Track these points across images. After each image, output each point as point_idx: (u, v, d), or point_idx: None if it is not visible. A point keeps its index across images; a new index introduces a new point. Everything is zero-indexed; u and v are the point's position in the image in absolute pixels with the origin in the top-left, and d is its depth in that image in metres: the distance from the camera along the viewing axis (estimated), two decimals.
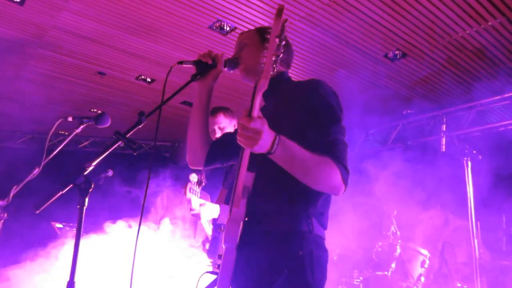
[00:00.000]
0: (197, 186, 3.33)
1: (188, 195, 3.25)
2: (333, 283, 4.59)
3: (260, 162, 1.66)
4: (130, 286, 1.71)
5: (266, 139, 1.47)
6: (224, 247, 1.65)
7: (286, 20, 1.46)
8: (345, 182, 1.63)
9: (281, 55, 1.46)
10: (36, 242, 4.19)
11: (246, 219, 1.65)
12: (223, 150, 2.12)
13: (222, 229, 1.74)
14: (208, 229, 3.57)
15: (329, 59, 5.08)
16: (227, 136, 2.24)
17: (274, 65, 1.46)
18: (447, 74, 5.22)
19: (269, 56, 1.45)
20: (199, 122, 2.14)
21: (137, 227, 1.78)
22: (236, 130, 2.21)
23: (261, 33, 2.09)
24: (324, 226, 1.79)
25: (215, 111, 3.47)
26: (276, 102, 1.97)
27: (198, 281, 1.76)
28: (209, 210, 3.35)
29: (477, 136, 5.88)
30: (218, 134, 3.42)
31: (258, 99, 1.52)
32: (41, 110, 7.17)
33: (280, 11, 1.46)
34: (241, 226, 1.61)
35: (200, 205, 3.34)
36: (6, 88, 6.40)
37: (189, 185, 3.24)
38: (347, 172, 1.64)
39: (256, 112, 1.50)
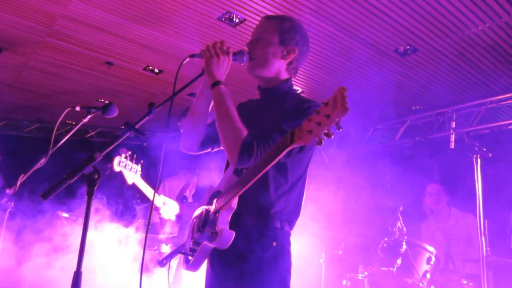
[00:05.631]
0: (131, 162, 3.38)
1: (117, 168, 3.28)
2: (338, 278, 4.58)
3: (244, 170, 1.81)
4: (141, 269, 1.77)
5: (219, 66, 1.93)
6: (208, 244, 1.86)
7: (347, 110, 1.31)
8: (242, 157, 1.79)
9: (330, 135, 1.35)
10: (42, 231, 4.22)
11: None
12: (214, 137, 2.18)
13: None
14: (145, 188, 3.72)
15: (338, 53, 5.03)
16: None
17: (321, 140, 1.37)
18: (458, 71, 5.16)
19: (320, 130, 1.36)
20: (203, 111, 2.16)
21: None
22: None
23: (281, 32, 2.06)
24: (292, 227, 2.03)
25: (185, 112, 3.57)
26: (270, 104, 2.07)
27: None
28: (170, 209, 3.64)
29: (487, 134, 5.83)
30: None
31: (283, 155, 1.53)
32: (49, 99, 7.19)
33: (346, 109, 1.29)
34: (233, 236, 1.81)
35: (163, 203, 3.60)
36: (14, 77, 6.41)
37: (117, 158, 3.25)
38: (249, 154, 1.78)
39: (274, 162, 1.57)
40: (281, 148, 1.51)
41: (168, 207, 3.66)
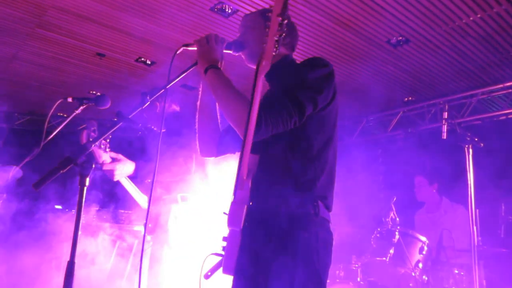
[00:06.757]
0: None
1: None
2: (331, 268, 4.60)
3: (264, 145, 1.65)
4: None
5: (210, 54, 1.90)
6: (228, 229, 1.65)
7: None
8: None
9: (284, 35, 1.39)
10: (35, 222, 4.20)
11: (251, 203, 1.64)
12: (234, 138, 2.05)
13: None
14: (130, 188, 3.32)
15: (330, 44, 5.03)
16: None
17: (276, 46, 1.39)
18: (450, 61, 5.18)
19: (271, 36, 1.38)
20: (211, 109, 2.11)
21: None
22: None
23: (264, 15, 2.06)
24: (329, 209, 1.82)
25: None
26: (279, 85, 1.95)
27: (204, 262, 1.78)
28: (124, 167, 3.11)
29: (479, 125, 5.87)
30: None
31: (261, 82, 1.50)
32: (40, 91, 7.12)
33: None
34: (245, 209, 1.60)
35: (115, 160, 3.06)
36: (4, 68, 6.33)
37: (86, 132, 2.87)
38: (258, 122, 1.57)
39: (258, 94, 1.48)
40: (255, 78, 1.51)
41: (120, 166, 3.08)
